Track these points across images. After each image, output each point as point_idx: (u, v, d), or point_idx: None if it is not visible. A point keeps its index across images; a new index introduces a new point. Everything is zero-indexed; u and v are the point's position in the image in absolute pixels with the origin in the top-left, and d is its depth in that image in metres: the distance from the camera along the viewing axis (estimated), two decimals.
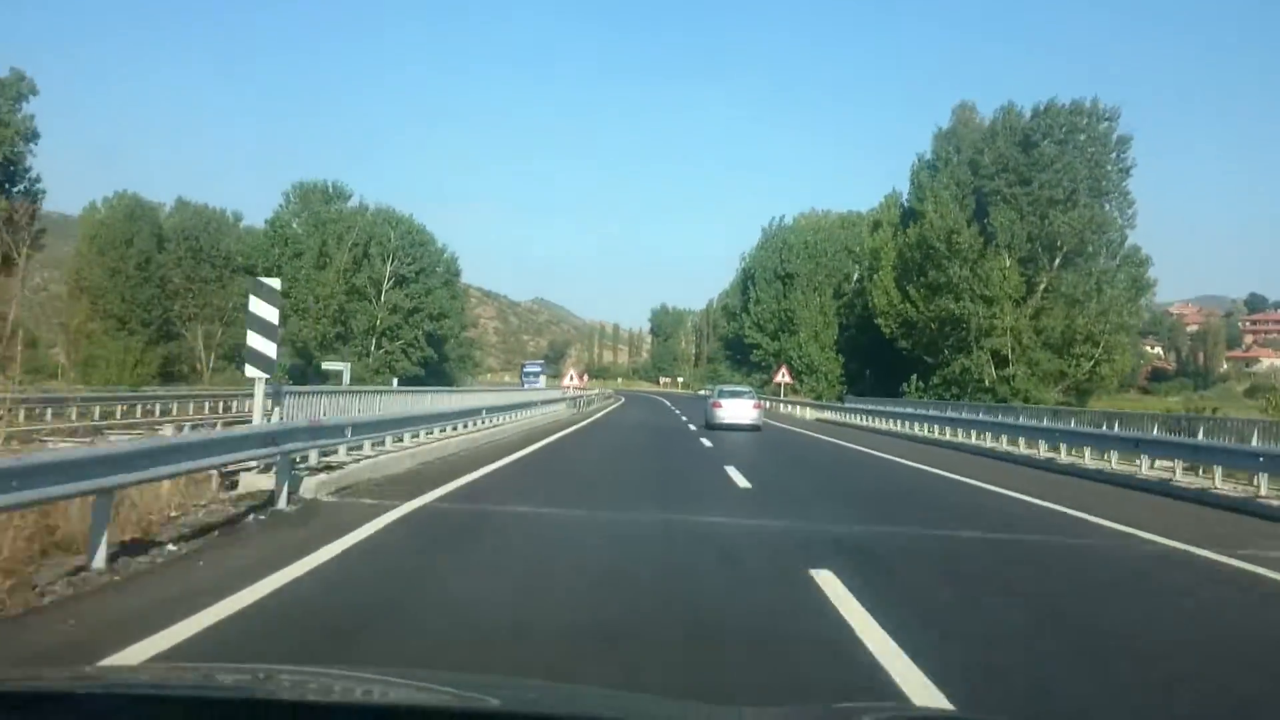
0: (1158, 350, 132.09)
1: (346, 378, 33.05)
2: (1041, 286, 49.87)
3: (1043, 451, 20.57)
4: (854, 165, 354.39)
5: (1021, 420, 23.96)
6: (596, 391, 62.75)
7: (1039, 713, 4.26)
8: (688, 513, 10.88)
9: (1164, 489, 15.09)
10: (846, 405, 41.36)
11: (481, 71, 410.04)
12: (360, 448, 13.41)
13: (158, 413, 33.45)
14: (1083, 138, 49.27)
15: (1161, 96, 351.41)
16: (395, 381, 50.95)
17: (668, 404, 61.51)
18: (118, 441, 12.02)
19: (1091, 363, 48.72)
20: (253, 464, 9.98)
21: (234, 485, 10.04)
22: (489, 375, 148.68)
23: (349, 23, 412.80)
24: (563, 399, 35.26)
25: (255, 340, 11.17)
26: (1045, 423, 22.42)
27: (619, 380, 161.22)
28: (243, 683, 1.75)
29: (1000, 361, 48.63)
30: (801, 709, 1.11)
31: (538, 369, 55.13)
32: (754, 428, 27.90)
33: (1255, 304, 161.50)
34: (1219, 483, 14.67)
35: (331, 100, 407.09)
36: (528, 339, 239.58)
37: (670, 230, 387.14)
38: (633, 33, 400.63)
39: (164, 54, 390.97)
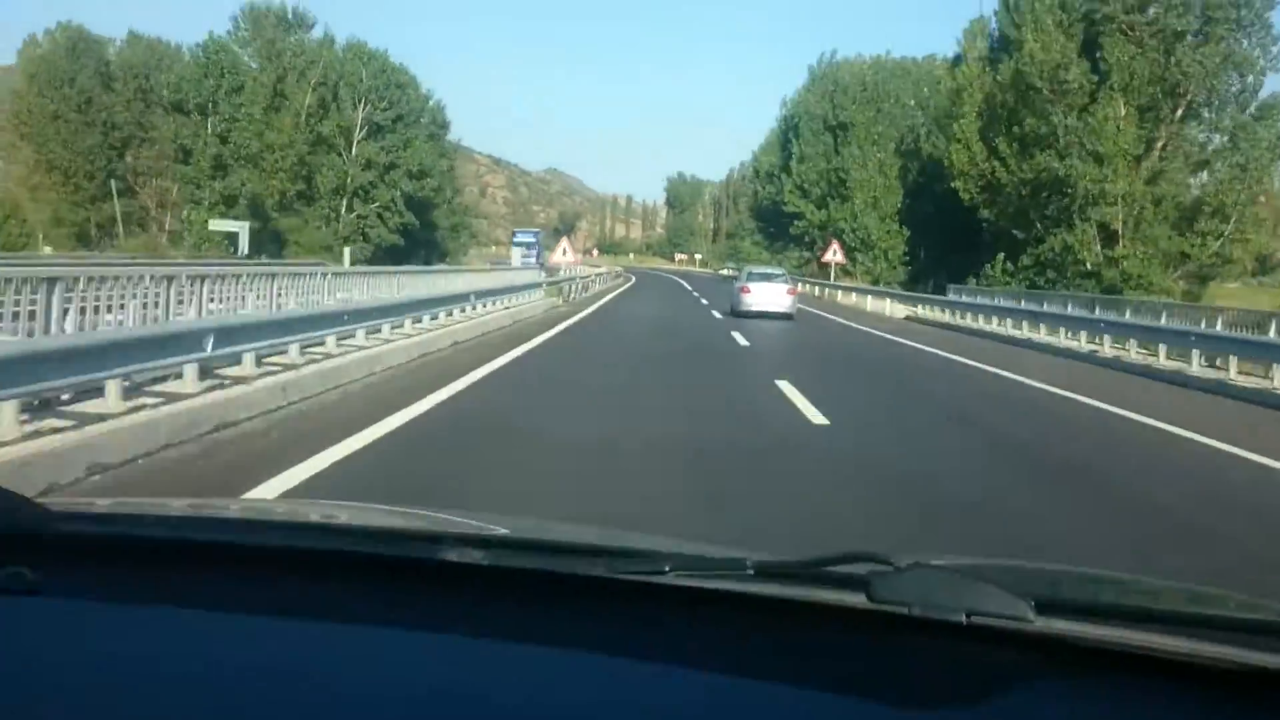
0: None
1: (244, 242, 23.68)
2: (1160, 143, 39.63)
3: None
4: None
5: None
6: (604, 270, 53.26)
7: None
8: None
9: None
10: (959, 301, 29.92)
11: None
12: None
13: None
14: None
15: None
16: (347, 259, 41.64)
17: (686, 286, 52.01)
18: None
19: (1219, 241, 38.94)
20: None
21: None
22: (494, 248, 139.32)
23: None
24: (542, 284, 25.17)
25: None
26: None
27: (631, 256, 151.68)
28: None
29: (1108, 238, 38.87)
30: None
31: (531, 239, 45.03)
32: (787, 316, 25.52)
33: None
34: None
35: None
36: (538, 209, 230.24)
37: (692, 92, 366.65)
38: None
39: None
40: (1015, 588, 0.97)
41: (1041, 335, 21.69)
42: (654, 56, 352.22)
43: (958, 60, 43.72)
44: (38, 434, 5.69)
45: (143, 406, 6.79)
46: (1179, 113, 39.42)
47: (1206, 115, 40.21)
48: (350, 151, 57.34)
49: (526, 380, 11.21)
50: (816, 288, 43.02)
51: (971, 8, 44.41)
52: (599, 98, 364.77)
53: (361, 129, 57.42)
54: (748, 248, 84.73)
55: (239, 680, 0.96)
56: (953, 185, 41.44)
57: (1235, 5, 39.41)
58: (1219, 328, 16.01)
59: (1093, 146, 37.25)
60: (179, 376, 7.65)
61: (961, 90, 41.45)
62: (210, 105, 48.24)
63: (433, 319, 14.55)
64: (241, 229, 26.25)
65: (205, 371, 8.00)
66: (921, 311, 31.01)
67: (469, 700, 0.94)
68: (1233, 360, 14.85)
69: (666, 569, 1.07)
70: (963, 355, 17.17)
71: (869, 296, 35.21)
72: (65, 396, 6.57)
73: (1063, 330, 20.77)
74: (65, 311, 6.66)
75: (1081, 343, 19.82)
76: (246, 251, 23.91)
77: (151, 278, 7.96)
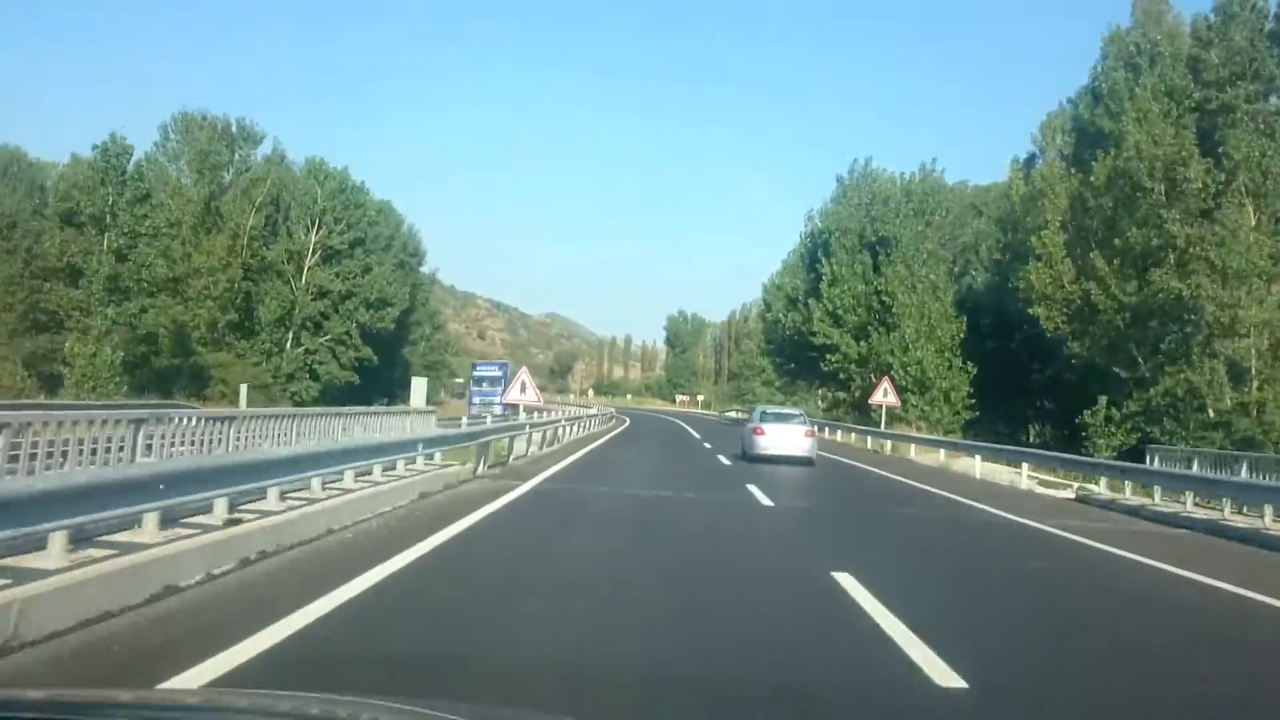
0: None
1: None
2: None
3: None
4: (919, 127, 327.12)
5: None
6: (594, 411, 44.36)
7: None
8: None
9: None
10: (1161, 472, 18.19)
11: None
12: None
13: None
14: None
15: None
16: (244, 398, 32.76)
17: (690, 431, 42.96)
18: None
19: None
20: None
21: None
22: (486, 384, 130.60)
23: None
24: (474, 437, 15.57)
25: None
26: None
27: (629, 397, 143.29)
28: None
29: (1236, 376, 30.23)
30: None
31: (497, 372, 35.95)
32: (806, 461, 23.07)
33: None
34: None
35: (333, 89, 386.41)
36: (536, 351, 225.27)
37: (690, 241, 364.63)
38: (642, 38, 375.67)
39: None
40: None
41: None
42: (652, 197, 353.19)
43: (1031, 161, 35.84)
44: None
45: None
46: None
47: None
48: (300, 279, 49.23)
49: None
50: (869, 438, 33.74)
51: (1014, 141, 36.54)
52: (599, 236, 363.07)
53: (314, 253, 49.47)
54: (758, 389, 75.58)
55: None
56: (1031, 312, 32.77)
57: None
58: None
59: (1220, 261, 28.86)
60: None
61: (1039, 196, 33.28)
62: (108, 217, 40.01)
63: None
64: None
65: None
66: (1099, 490, 19.36)
67: None
68: None
69: None
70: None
71: (974, 456, 24.81)
72: None
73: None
74: None
75: None
76: None
77: None
